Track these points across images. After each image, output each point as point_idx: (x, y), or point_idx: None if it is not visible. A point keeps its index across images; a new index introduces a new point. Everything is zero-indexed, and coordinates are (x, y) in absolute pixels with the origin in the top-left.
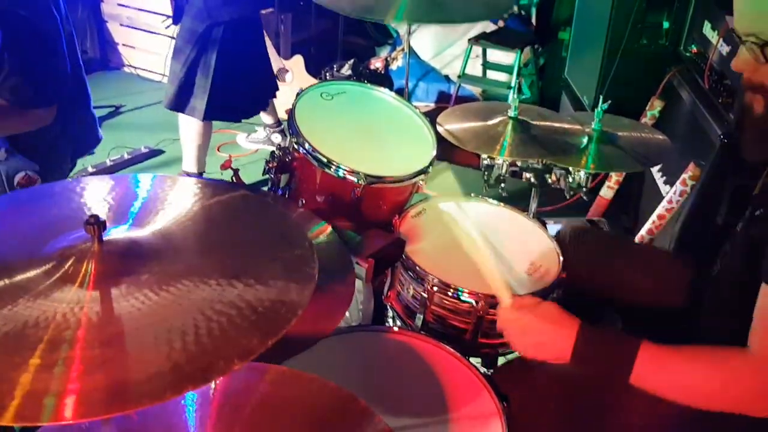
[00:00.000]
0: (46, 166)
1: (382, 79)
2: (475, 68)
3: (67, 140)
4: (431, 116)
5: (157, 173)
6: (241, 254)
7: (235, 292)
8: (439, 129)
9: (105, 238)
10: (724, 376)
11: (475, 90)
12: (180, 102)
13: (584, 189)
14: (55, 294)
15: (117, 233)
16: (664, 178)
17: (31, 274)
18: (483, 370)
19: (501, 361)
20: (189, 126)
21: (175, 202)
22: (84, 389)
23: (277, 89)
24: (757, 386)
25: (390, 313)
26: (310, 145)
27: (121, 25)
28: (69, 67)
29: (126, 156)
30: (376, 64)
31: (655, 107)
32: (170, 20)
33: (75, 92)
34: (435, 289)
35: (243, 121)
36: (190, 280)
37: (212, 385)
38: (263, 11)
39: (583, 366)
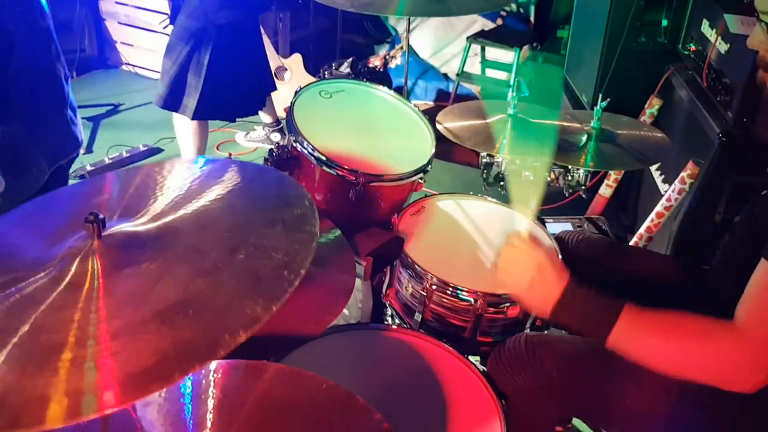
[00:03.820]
0: (12, 170)
1: (381, 77)
2: (473, 66)
3: (35, 144)
4: (430, 114)
5: None
6: (239, 224)
7: (236, 263)
8: (438, 127)
9: (103, 234)
10: (703, 347)
11: (474, 88)
12: (172, 101)
13: (583, 187)
14: (68, 298)
15: (113, 228)
16: (663, 176)
17: (41, 283)
18: (482, 368)
19: None
20: (183, 124)
21: (168, 185)
22: (121, 377)
23: (274, 89)
24: (737, 359)
25: (389, 311)
26: (308, 143)
27: (119, 23)
28: (27, 66)
29: (125, 154)
30: (375, 62)
31: (653, 105)
32: (168, 20)
33: (42, 94)
34: (434, 287)
35: (242, 119)
36: (191, 259)
37: (211, 382)
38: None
39: (563, 320)
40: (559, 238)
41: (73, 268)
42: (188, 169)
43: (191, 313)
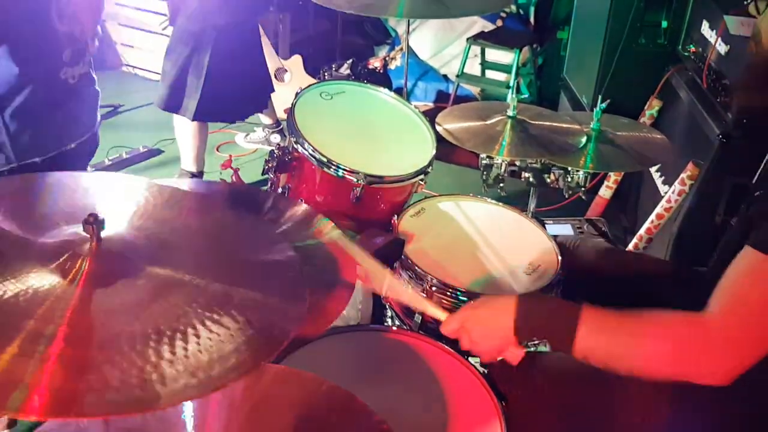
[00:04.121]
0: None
1: (381, 78)
2: (473, 68)
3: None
4: (430, 116)
5: (155, 173)
6: (238, 270)
7: (230, 308)
8: (438, 128)
9: (103, 236)
10: (674, 339)
11: (474, 89)
12: (172, 102)
13: (583, 189)
14: (45, 285)
15: (115, 234)
16: (663, 177)
17: (24, 261)
18: (481, 369)
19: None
20: (183, 126)
21: (172, 209)
22: (60, 387)
23: (272, 91)
24: (710, 349)
25: (389, 313)
26: (309, 144)
27: (119, 24)
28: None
29: (124, 155)
30: (375, 63)
31: (653, 107)
32: (167, 21)
33: (28, 91)
34: (433, 288)
35: (242, 121)
36: (187, 290)
37: None
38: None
39: (534, 337)
40: (559, 244)
41: (60, 260)
42: (194, 200)
43: (181, 346)
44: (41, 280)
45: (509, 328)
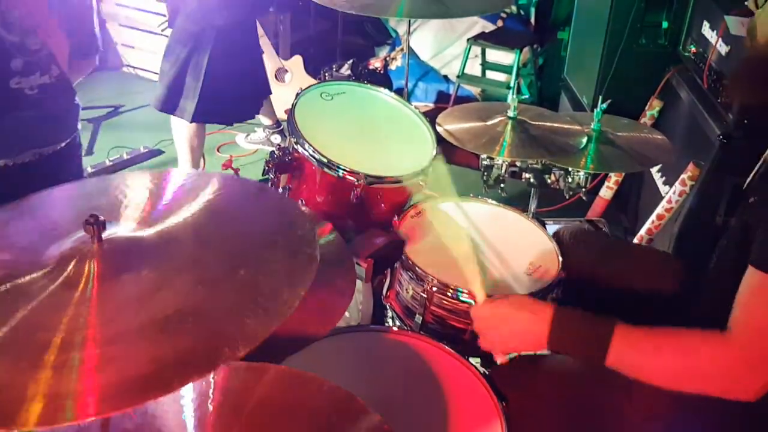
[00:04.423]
0: None
1: (382, 79)
2: (474, 68)
3: None
4: (430, 116)
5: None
6: (241, 241)
7: (237, 278)
8: (439, 129)
9: (103, 237)
10: (695, 359)
11: (474, 90)
12: (169, 103)
13: (583, 189)
14: (61, 297)
15: (115, 232)
16: (664, 178)
17: (35, 280)
18: (482, 370)
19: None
20: (181, 127)
21: (171, 196)
22: (99, 387)
23: (270, 93)
24: (729, 367)
25: (389, 314)
26: (310, 145)
27: (120, 24)
28: None
29: (125, 156)
30: (376, 64)
31: (654, 107)
32: (166, 22)
33: None
34: (434, 289)
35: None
36: (192, 271)
37: (211, 384)
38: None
39: (560, 350)
40: (556, 234)
41: (68, 269)
42: (187, 179)
43: (191, 323)
44: (56, 293)
45: (543, 336)
